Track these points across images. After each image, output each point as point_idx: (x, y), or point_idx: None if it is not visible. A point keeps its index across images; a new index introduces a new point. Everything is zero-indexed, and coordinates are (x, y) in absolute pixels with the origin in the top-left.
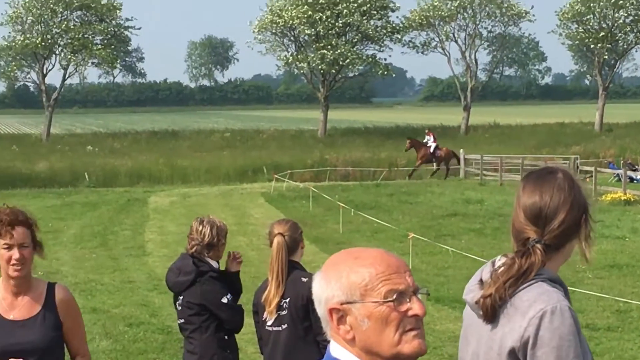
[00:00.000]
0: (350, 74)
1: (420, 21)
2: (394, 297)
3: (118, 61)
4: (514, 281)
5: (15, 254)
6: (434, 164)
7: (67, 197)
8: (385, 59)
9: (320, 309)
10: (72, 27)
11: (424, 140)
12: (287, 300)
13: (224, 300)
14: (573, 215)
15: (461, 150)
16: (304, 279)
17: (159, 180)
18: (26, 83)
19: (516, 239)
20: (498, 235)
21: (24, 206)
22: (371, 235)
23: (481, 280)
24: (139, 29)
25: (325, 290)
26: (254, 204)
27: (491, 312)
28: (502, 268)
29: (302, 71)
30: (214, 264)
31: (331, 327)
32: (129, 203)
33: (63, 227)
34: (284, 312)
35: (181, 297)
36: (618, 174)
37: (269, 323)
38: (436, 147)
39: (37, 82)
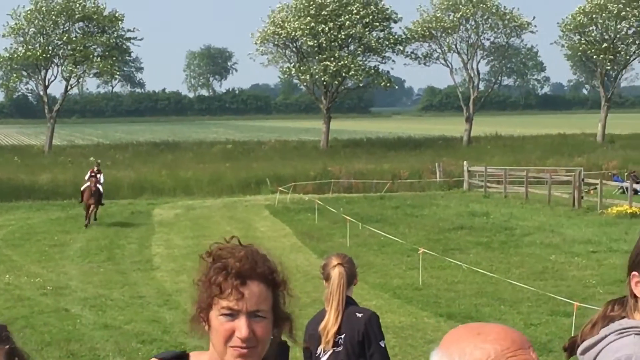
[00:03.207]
0: (353, 86)
1: (422, 32)
2: None
3: (118, 73)
4: None
5: (242, 327)
6: None
7: (71, 210)
8: (388, 71)
9: None
10: (73, 38)
11: None
12: (343, 336)
13: None
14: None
15: (465, 162)
16: (359, 314)
17: (162, 192)
18: (25, 93)
19: None
20: (505, 249)
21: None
22: (379, 249)
23: None
24: (141, 39)
25: None
26: (259, 216)
27: None
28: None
29: (304, 83)
30: None
31: None
32: (133, 216)
33: (69, 240)
34: (339, 349)
35: None
36: (622, 187)
37: (324, 359)
38: None
39: (38, 92)
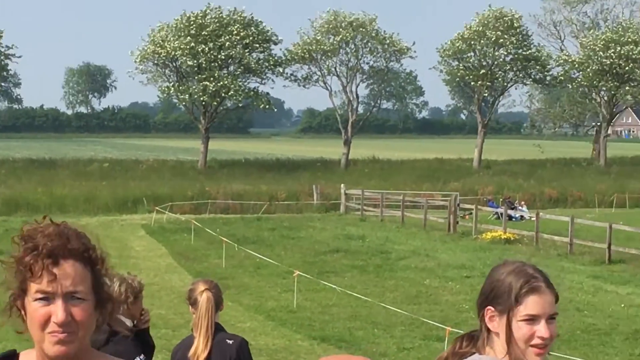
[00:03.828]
0: (232, 106)
1: (302, 55)
2: None
3: None
4: None
5: (58, 311)
6: None
7: None
8: (267, 93)
9: None
10: None
11: None
12: None
13: None
14: (478, 305)
15: (342, 185)
16: (230, 341)
17: (37, 210)
18: None
19: None
20: (380, 272)
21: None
22: (254, 271)
23: None
24: (20, 57)
25: None
26: (135, 236)
27: None
28: None
29: (183, 102)
30: (128, 322)
31: None
32: (7, 233)
33: None
34: None
35: None
36: (497, 212)
37: None
38: None
39: None
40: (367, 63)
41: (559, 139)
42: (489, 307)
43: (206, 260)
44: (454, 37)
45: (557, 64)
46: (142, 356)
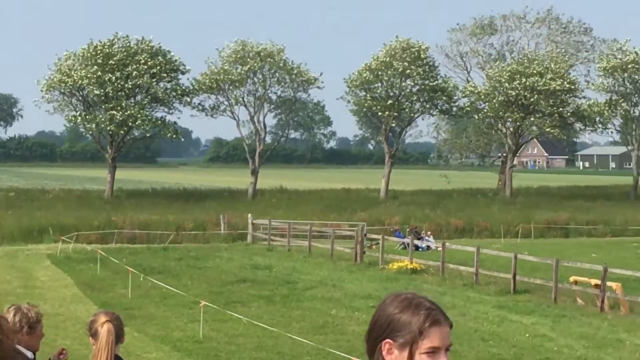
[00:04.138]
0: (139, 135)
1: (210, 84)
2: None
3: None
4: None
5: None
6: None
7: None
8: (175, 122)
9: None
10: None
11: None
12: None
13: None
14: (370, 338)
15: (249, 215)
16: None
17: None
18: None
19: None
20: (287, 302)
21: None
22: (160, 301)
23: None
24: None
25: None
26: (40, 266)
27: None
28: None
29: (90, 131)
30: (28, 354)
31: None
32: None
33: None
34: None
35: None
36: (404, 242)
37: None
38: None
39: None
40: (275, 93)
41: (466, 169)
42: (387, 340)
43: (112, 290)
44: (361, 68)
45: (464, 95)
46: None
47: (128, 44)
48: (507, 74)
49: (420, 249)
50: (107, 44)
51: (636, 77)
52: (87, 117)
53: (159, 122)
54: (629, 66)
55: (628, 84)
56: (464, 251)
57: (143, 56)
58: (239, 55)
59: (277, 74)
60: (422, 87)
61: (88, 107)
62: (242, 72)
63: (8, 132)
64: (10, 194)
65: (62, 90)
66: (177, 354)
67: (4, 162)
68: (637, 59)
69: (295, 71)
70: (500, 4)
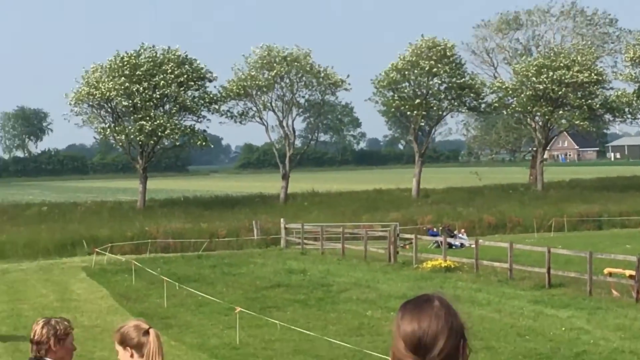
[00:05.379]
0: (169, 145)
1: (237, 91)
2: None
3: None
4: None
5: None
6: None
7: None
8: (204, 130)
9: None
10: None
11: None
12: None
13: None
14: (452, 342)
15: (282, 220)
16: None
17: None
18: None
19: None
20: (322, 305)
21: None
22: (196, 309)
23: None
24: None
25: None
26: (76, 278)
27: None
28: None
29: (120, 143)
30: None
31: None
32: None
33: None
34: None
35: None
36: (437, 241)
37: None
38: None
39: None
40: (303, 97)
41: (496, 165)
42: (465, 339)
43: (148, 300)
44: (387, 68)
45: (491, 91)
46: None
47: (154, 54)
48: (534, 68)
49: (453, 247)
50: (134, 54)
51: None
52: (117, 128)
53: (188, 130)
54: None
55: None
56: (498, 247)
57: (170, 65)
58: (265, 61)
59: (304, 78)
60: (450, 84)
61: (117, 118)
62: (269, 77)
63: (39, 147)
64: (43, 208)
65: (90, 103)
66: None
67: (35, 177)
68: None
69: (322, 74)
70: None
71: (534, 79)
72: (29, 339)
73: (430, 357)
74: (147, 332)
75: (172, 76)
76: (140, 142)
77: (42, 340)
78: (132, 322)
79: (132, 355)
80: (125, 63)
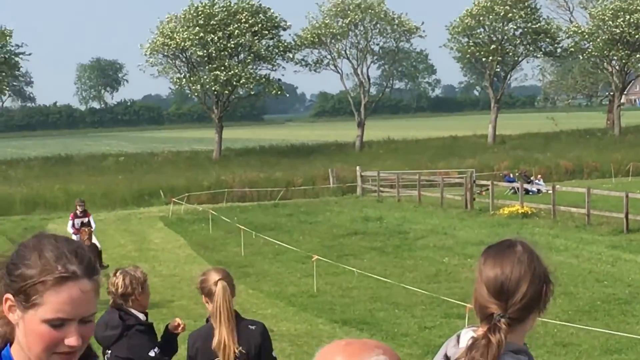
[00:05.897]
0: (244, 94)
1: (312, 39)
2: None
3: (7, 88)
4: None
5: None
6: None
7: None
8: (279, 79)
9: None
10: None
11: None
12: (240, 349)
13: (152, 353)
14: (534, 287)
15: (358, 168)
16: (252, 327)
17: (55, 207)
18: None
19: (480, 314)
20: (399, 253)
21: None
22: (273, 258)
23: (446, 357)
24: (30, 54)
25: None
26: (153, 228)
27: None
28: (477, 349)
29: (195, 93)
30: (140, 316)
31: None
32: (26, 232)
33: None
34: None
35: (109, 351)
36: (514, 187)
37: None
38: None
39: None
40: (377, 44)
41: (573, 110)
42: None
43: (225, 249)
44: (462, 14)
45: (567, 35)
46: (156, 349)
47: (228, 4)
48: (611, 12)
49: (530, 193)
50: (208, 4)
51: None
52: (192, 78)
53: (263, 79)
54: None
55: None
56: (575, 193)
57: (244, 15)
58: (339, 9)
59: (378, 25)
60: (525, 29)
61: (192, 68)
62: (344, 25)
63: (115, 98)
64: (120, 158)
65: (165, 53)
66: (292, 309)
67: (112, 128)
68: None
69: (397, 21)
70: None
71: (610, 22)
72: (107, 291)
73: (512, 301)
74: (216, 283)
75: (247, 25)
76: (215, 92)
77: (127, 292)
78: (211, 271)
79: (206, 302)
80: (200, 13)
